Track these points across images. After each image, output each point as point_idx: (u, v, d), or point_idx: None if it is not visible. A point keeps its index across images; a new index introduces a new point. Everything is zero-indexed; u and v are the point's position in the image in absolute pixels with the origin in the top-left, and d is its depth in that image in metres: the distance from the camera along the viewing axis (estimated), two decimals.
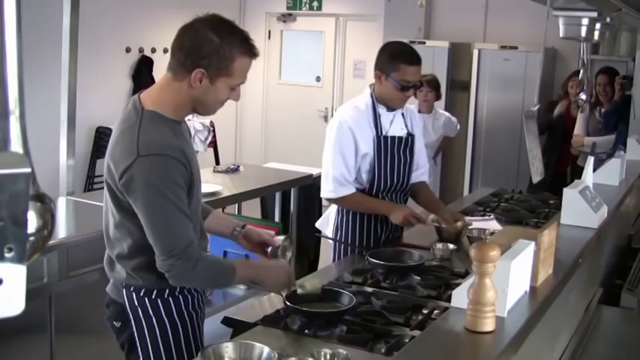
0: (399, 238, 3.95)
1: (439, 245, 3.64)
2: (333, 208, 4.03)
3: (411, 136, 3.88)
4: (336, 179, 3.72)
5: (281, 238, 2.95)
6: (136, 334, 2.57)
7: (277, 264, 2.83)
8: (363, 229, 3.90)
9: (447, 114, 6.90)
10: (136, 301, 2.55)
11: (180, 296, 2.59)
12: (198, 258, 2.44)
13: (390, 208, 3.74)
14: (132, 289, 2.55)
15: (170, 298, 2.56)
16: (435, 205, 3.99)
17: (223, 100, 2.50)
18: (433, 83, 6.57)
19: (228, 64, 2.40)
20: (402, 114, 3.88)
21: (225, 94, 2.48)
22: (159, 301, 2.55)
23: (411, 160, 3.89)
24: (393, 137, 3.79)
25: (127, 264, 2.54)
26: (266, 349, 2.28)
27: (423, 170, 4.04)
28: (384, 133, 3.77)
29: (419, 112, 6.11)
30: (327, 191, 3.79)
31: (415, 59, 3.67)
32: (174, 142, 2.42)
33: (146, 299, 2.54)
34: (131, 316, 2.56)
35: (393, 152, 3.80)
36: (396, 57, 3.66)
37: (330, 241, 4.00)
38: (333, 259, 3.89)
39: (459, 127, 7.00)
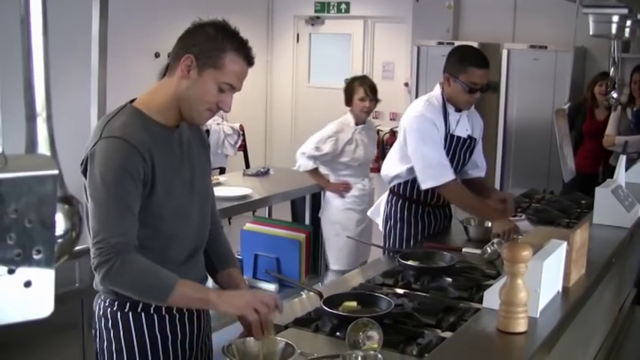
0: (442, 234, 4.08)
1: (488, 249, 3.60)
2: (384, 197, 4.20)
3: (471, 138, 3.99)
4: (442, 164, 3.77)
5: None
6: (97, 345, 2.45)
7: (243, 290, 2.44)
8: (411, 220, 4.05)
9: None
10: (101, 311, 2.41)
11: (143, 314, 2.38)
12: (124, 257, 2.19)
13: (496, 216, 3.78)
14: (101, 297, 2.42)
15: (130, 314, 2.37)
16: (497, 195, 4.05)
17: (209, 101, 2.31)
18: (374, 89, 5.45)
19: (219, 54, 2.27)
20: (466, 115, 3.98)
21: (212, 93, 2.30)
22: (119, 314, 2.37)
23: (466, 161, 4.03)
24: (458, 137, 3.92)
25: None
26: (283, 341, 2.30)
27: (482, 168, 4.19)
28: (450, 132, 3.89)
29: (356, 124, 5.50)
30: (429, 180, 3.81)
31: (483, 63, 3.77)
32: (140, 134, 2.27)
33: (108, 310, 2.39)
34: (97, 326, 2.43)
35: (455, 151, 3.93)
36: (464, 60, 3.76)
37: (381, 231, 4.20)
38: (384, 252, 3.94)
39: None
